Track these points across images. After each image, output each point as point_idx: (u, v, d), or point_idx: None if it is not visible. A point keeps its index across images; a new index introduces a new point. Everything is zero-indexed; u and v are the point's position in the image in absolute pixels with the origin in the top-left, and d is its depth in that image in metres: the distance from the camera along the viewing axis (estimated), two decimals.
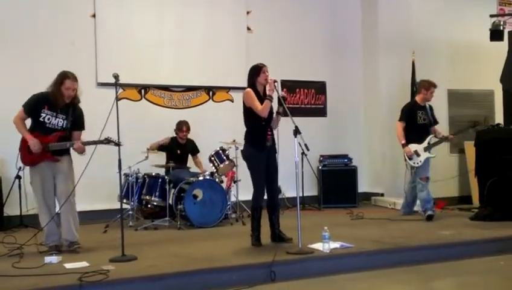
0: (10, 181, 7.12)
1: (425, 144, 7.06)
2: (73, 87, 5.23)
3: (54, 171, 5.25)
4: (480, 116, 9.51)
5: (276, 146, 5.43)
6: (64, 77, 5.22)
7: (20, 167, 7.03)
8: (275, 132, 5.44)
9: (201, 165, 7.65)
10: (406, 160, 7.22)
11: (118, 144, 5.06)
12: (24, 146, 5.23)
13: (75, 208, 5.37)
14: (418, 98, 7.29)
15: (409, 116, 7.17)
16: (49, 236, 5.29)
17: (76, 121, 5.36)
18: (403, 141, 7.10)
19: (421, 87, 7.27)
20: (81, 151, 5.23)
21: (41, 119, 5.21)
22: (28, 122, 5.37)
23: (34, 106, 5.24)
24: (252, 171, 5.34)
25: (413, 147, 7.04)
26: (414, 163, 7.09)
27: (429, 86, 7.14)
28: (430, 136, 7.15)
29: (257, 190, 5.33)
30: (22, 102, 7.27)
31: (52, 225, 5.27)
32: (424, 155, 7.02)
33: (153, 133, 7.71)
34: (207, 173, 7.04)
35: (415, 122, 7.11)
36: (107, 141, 5.11)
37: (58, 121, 5.26)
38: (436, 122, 7.31)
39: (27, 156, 5.23)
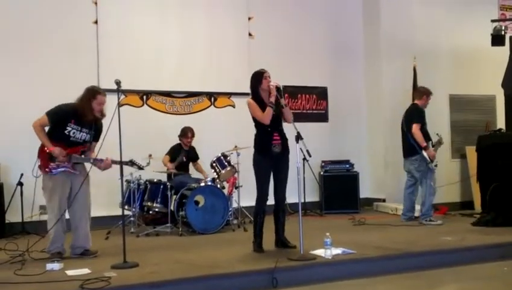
0: (12, 188, 7.13)
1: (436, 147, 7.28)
2: (103, 102, 5.28)
3: (71, 179, 5.27)
4: (482, 121, 9.53)
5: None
6: (96, 92, 5.28)
7: (21, 174, 7.08)
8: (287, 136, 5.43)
9: (202, 170, 7.65)
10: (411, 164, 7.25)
11: (140, 168, 5.58)
12: (44, 154, 5.20)
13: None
14: (419, 103, 7.28)
15: (423, 119, 7.21)
16: (54, 243, 5.28)
17: (97, 134, 5.41)
18: (425, 144, 7.07)
19: (423, 93, 7.30)
20: (107, 168, 5.35)
21: (66, 132, 5.20)
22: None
23: (61, 118, 5.22)
24: (256, 177, 5.35)
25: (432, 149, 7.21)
26: (435, 166, 7.16)
27: (430, 93, 7.33)
28: (437, 140, 7.30)
29: (260, 196, 5.33)
30: (23, 108, 7.38)
31: (60, 232, 5.28)
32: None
33: (155, 139, 7.73)
34: (209, 179, 7.04)
35: (424, 126, 7.15)
36: (132, 164, 5.43)
37: (82, 135, 5.29)
38: None
39: (48, 163, 5.18)
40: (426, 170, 7.09)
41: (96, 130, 5.37)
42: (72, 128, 5.22)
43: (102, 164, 5.31)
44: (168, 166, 7.33)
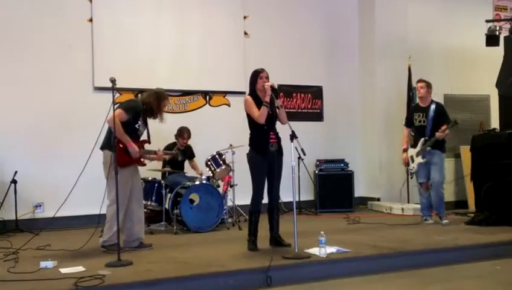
0: (6, 185, 7.10)
1: (418, 148, 6.89)
2: (166, 105, 5.74)
3: (133, 174, 5.51)
4: (476, 121, 9.57)
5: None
6: (166, 97, 5.62)
7: (15, 171, 7.06)
8: (281, 135, 5.43)
9: (197, 167, 7.64)
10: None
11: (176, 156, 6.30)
12: (121, 148, 5.33)
13: None
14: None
15: (409, 119, 7.18)
16: (115, 234, 5.09)
17: (148, 133, 5.71)
18: (403, 146, 7.07)
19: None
20: (160, 159, 5.98)
21: (136, 126, 5.46)
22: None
23: (137, 113, 5.45)
24: (252, 175, 5.35)
25: (410, 152, 7.00)
26: (410, 169, 7.07)
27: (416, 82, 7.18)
28: (422, 139, 6.82)
29: (256, 194, 5.33)
30: (16, 107, 7.37)
31: (122, 224, 5.38)
32: (416, 160, 6.91)
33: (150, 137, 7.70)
34: (204, 177, 7.04)
35: (414, 125, 7.04)
36: (177, 154, 6.08)
37: (143, 131, 5.60)
38: (436, 124, 6.76)
39: (125, 158, 5.35)
40: None
41: (147, 129, 5.65)
42: (140, 123, 5.50)
43: (155, 156, 5.74)
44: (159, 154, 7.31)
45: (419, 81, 7.04)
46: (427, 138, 6.79)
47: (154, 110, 5.50)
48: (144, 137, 5.67)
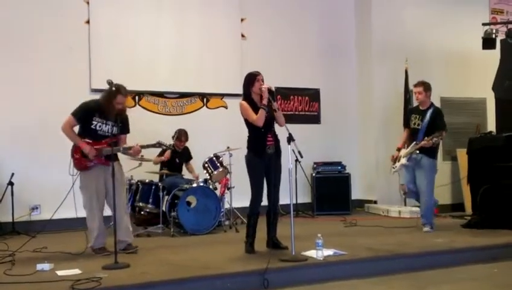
0: (3, 187, 7.09)
1: (407, 150, 6.72)
2: (123, 102, 5.40)
3: (106, 175, 5.35)
4: (473, 124, 9.58)
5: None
6: (118, 91, 5.35)
7: (12, 173, 7.05)
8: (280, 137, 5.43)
9: (193, 170, 7.64)
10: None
11: (168, 148, 5.84)
12: (77, 152, 5.33)
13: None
14: None
15: (405, 120, 7.10)
16: (98, 238, 5.37)
17: (124, 126, 5.54)
18: (399, 145, 6.90)
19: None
20: (137, 154, 5.60)
21: (92, 126, 5.36)
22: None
23: (86, 114, 5.38)
24: (251, 178, 5.34)
25: (402, 152, 6.81)
26: (393, 167, 6.91)
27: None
28: (414, 142, 6.61)
29: (255, 197, 5.32)
30: (14, 109, 7.36)
31: (102, 227, 5.41)
32: (401, 161, 6.76)
33: (147, 139, 7.65)
34: (201, 180, 7.03)
35: (410, 127, 6.88)
36: (159, 145, 5.68)
37: (108, 128, 5.44)
38: (431, 129, 6.55)
39: (81, 161, 5.32)
40: None
41: (122, 122, 5.48)
42: (97, 122, 5.37)
43: (131, 151, 5.47)
44: (155, 160, 7.33)
45: (416, 85, 6.81)
46: (418, 142, 6.59)
47: (106, 108, 5.34)
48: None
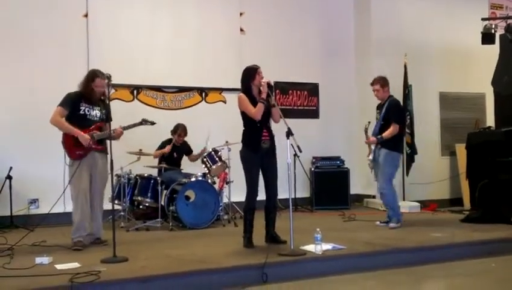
0: (1, 181, 7.08)
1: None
2: (102, 85, 5.46)
3: (91, 167, 5.43)
4: (471, 119, 9.59)
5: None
6: (94, 75, 5.46)
7: (10, 167, 7.04)
8: (276, 133, 5.43)
9: (197, 153, 7.56)
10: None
11: (153, 123, 5.95)
12: (70, 141, 5.36)
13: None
14: None
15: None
16: (78, 230, 5.39)
17: (108, 113, 5.53)
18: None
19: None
20: (118, 137, 5.58)
21: (81, 112, 5.44)
22: None
23: (73, 101, 5.44)
24: (246, 173, 5.34)
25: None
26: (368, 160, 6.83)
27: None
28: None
29: (250, 192, 5.32)
30: (11, 103, 7.34)
31: (85, 220, 5.41)
32: (368, 157, 6.80)
33: (145, 133, 7.67)
34: (199, 174, 7.02)
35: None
36: (145, 122, 5.80)
37: (96, 113, 5.54)
38: (386, 123, 6.52)
39: (76, 150, 5.36)
40: None
41: (106, 109, 5.52)
42: (85, 107, 5.46)
43: (114, 134, 5.45)
44: (155, 154, 7.33)
45: (373, 83, 6.70)
46: (379, 137, 6.55)
47: (86, 92, 5.45)
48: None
